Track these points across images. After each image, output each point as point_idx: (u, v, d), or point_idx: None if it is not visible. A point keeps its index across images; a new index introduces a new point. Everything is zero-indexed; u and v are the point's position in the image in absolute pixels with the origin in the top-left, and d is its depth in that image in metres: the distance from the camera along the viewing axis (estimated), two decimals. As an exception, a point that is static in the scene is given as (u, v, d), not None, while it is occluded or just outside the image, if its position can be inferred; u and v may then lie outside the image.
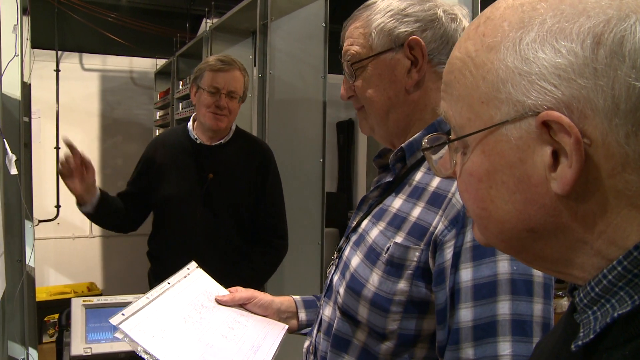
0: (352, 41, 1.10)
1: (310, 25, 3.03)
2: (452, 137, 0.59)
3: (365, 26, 1.08)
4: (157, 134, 5.41)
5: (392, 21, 1.06)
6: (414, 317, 0.98)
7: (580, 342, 0.50)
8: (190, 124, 2.35)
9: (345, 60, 1.11)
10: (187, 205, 2.26)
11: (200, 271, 1.44)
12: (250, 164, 2.33)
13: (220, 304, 1.34)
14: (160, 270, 2.31)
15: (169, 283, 1.31)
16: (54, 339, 4.96)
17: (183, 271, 1.40)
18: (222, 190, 2.27)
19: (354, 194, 6.63)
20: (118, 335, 1.09)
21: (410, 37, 1.04)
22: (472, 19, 1.12)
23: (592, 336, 0.49)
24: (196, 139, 2.31)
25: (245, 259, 2.29)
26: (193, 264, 1.45)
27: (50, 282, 5.32)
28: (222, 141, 2.32)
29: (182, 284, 1.34)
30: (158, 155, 2.35)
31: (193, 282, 1.38)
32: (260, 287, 2.23)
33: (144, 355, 1.06)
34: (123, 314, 1.12)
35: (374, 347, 1.02)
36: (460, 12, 1.10)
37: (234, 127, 2.38)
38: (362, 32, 1.09)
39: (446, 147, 0.61)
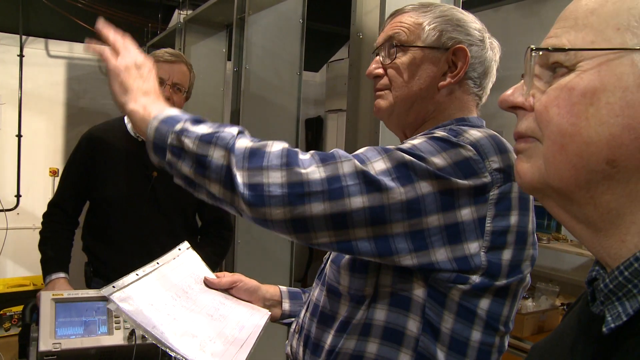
0: (401, 28, 1.15)
1: (288, 21, 3.02)
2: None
3: (418, 19, 1.14)
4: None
5: (447, 25, 1.13)
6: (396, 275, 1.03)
7: (612, 325, 0.51)
8: (127, 119, 2.25)
9: (390, 41, 1.16)
10: (133, 203, 2.22)
11: (192, 252, 1.45)
12: None
13: (207, 286, 1.36)
14: (101, 267, 2.29)
15: (158, 263, 1.32)
16: (9, 332, 4.81)
17: (174, 251, 1.41)
18: (167, 188, 2.22)
19: (322, 192, 6.63)
20: (110, 306, 1.11)
21: (458, 45, 1.12)
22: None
23: (624, 318, 0.50)
24: (138, 136, 2.23)
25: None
26: (185, 244, 1.46)
27: (7, 273, 5.16)
28: None
29: (171, 264, 1.35)
30: (96, 153, 2.25)
31: (182, 263, 1.39)
32: None
33: (134, 326, 1.09)
34: (113, 286, 1.14)
35: (355, 316, 1.07)
36: (496, 45, 1.19)
37: None
38: (413, 22, 1.14)
39: (534, 66, 0.60)
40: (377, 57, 1.19)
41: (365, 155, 0.96)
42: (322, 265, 1.23)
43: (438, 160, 0.93)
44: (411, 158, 0.93)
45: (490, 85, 1.19)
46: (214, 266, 2.41)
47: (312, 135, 6.54)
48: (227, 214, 2.45)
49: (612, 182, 0.53)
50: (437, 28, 1.12)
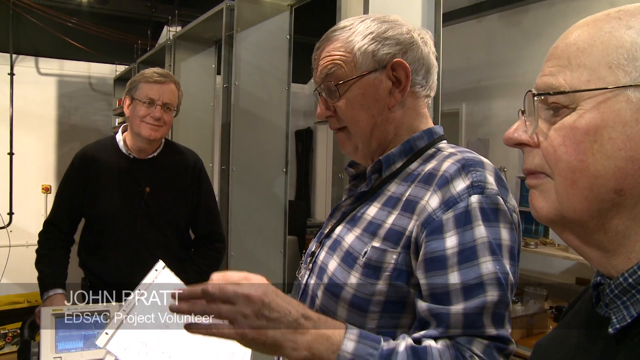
0: (333, 62, 1.13)
1: (275, 38, 3.08)
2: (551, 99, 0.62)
3: (347, 47, 1.12)
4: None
5: (375, 43, 1.10)
6: (392, 317, 1.03)
7: (618, 326, 0.58)
8: (119, 137, 2.34)
9: (327, 81, 1.14)
10: (126, 219, 2.27)
11: (167, 272, 1.46)
12: (183, 174, 2.39)
13: None
14: (97, 283, 2.33)
15: (139, 290, 1.33)
16: (4, 350, 4.82)
17: (152, 274, 1.41)
18: (160, 203, 2.31)
19: (312, 202, 6.68)
20: (108, 357, 1.11)
21: (394, 60, 1.10)
22: (435, 43, 1.21)
23: (629, 320, 0.57)
24: (129, 154, 2.32)
25: (185, 264, 2.35)
26: (160, 264, 1.46)
27: (1, 291, 5.16)
28: (155, 154, 2.34)
29: (151, 289, 1.36)
30: (90, 171, 2.32)
31: (161, 285, 1.39)
32: None
33: None
34: (107, 333, 1.14)
35: None
36: (427, 35, 1.17)
37: (162, 140, 2.40)
38: (344, 52, 1.12)
39: (535, 106, 0.64)
40: (322, 97, 1.17)
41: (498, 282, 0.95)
42: (302, 286, 1.22)
43: (505, 236, 0.99)
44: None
45: (436, 76, 1.18)
46: (206, 279, 2.46)
47: (303, 147, 6.59)
48: (220, 227, 2.52)
49: (620, 208, 0.58)
50: (367, 50, 1.10)
